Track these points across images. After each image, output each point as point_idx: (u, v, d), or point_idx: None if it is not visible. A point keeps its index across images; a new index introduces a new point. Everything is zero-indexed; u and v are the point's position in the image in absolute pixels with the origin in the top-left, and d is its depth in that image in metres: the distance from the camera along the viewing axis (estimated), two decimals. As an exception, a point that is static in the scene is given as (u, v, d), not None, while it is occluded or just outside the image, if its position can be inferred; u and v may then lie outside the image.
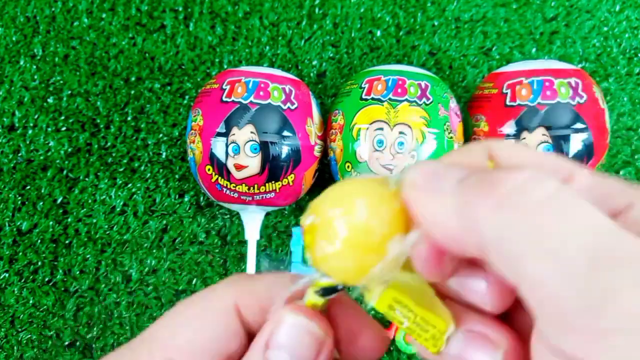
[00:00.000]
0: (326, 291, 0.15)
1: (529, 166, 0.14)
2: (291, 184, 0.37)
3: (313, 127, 0.38)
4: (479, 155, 0.15)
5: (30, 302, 0.42)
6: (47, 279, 0.43)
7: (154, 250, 0.43)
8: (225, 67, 0.46)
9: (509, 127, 0.36)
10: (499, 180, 0.13)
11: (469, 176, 0.13)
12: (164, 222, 0.43)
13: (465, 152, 0.16)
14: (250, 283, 0.16)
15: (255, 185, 0.36)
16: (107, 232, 0.43)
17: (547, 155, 0.15)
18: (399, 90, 0.36)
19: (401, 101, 0.36)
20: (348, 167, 0.37)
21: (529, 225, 0.12)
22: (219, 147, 0.36)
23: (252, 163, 0.35)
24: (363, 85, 0.37)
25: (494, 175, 0.13)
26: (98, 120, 0.45)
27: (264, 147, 0.35)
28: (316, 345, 0.15)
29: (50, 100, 0.46)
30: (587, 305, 0.11)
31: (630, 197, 0.14)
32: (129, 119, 0.45)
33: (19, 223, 0.44)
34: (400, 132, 0.35)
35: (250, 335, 0.16)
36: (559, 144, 0.35)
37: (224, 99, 0.36)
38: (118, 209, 0.44)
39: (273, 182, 0.36)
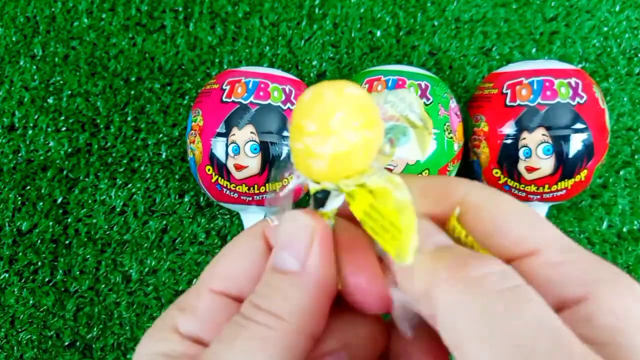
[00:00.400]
0: (317, 200, 0.16)
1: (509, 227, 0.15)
2: (291, 184, 0.37)
3: (313, 127, 0.38)
4: (454, 195, 0.16)
5: (30, 302, 0.42)
6: (47, 279, 0.43)
7: (154, 251, 0.43)
8: (225, 67, 0.46)
9: (509, 127, 0.36)
10: (469, 265, 0.14)
11: (444, 248, 0.15)
12: (164, 222, 0.43)
13: (443, 184, 0.17)
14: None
15: (255, 186, 0.36)
16: (107, 233, 0.43)
17: (522, 211, 0.16)
18: (399, 90, 0.36)
19: (401, 101, 0.36)
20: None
21: (481, 310, 0.13)
22: (219, 147, 0.36)
23: (252, 163, 0.35)
24: (363, 86, 0.37)
25: (467, 259, 0.14)
26: (98, 121, 0.45)
27: (264, 147, 0.35)
28: (306, 233, 0.16)
29: (50, 101, 0.46)
30: None
31: (588, 287, 0.14)
32: (129, 119, 0.45)
33: (18, 223, 0.44)
34: (400, 133, 0.35)
35: None
36: (559, 144, 0.35)
37: (224, 99, 0.36)
38: (118, 209, 0.44)
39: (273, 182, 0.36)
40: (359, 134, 0.15)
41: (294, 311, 0.15)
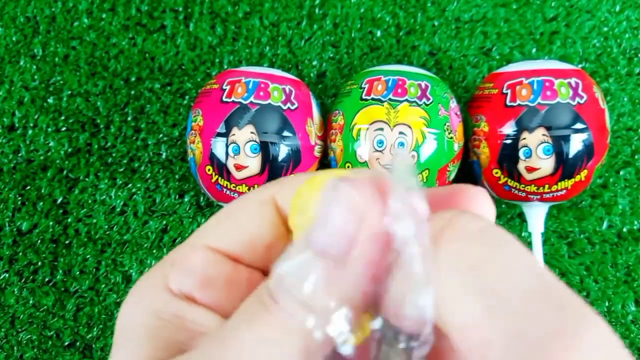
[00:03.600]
0: None
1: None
2: (291, 184, 0.37)
3: (313, 127, 0.38)
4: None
5: (30, 302, 0.42)
6: (47, 279, 0.43)
7: (154, 251, 0.43)
8: (226, 67, 0.46)
9: (509, 127, 0.36)
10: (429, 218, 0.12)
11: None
12: (164, 222, 0.43)
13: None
14: (289, 179, 0.17)
15: (255, 186, 0.36)
16: (107, 233, 0.43)
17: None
18: (399, 90, 0.36)
19: (401, 101, 0.36)
20: (348, 167, 0.37)
21: (458, 261, 0.11)
22: (219, 147, 0.36)
23: (252, 163, 0.35)
24: (363, 86, 0.37)
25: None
26: (98, 121, 0.45)
27: (264, 147, 0.35)
28: (356, 219, 0.13)
29: (50, 101, 0.46)
30: (518, 354, 0.10)
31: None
32: (129, 119, 0.45)
33: (19, 223, 0.44)
34: (401, 133, 0.35)
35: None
36: (559, 144, 0.35)
37: (224, 99, 0.36)
38: (118, 209, 0.44)
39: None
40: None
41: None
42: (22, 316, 0.42)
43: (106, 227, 0.43)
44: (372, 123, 0.36)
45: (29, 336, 0.42)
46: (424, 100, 0.36)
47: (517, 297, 0.10)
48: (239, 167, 0.35)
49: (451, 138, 0.37)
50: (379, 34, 0.46)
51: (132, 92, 0.45)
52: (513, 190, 0.37)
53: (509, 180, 0.37)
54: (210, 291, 0.16)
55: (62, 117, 0.45)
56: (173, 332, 0.15)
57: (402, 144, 0.35)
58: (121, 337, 0.16)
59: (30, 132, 0.45)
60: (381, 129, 0.35)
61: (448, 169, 0.37)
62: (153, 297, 0.15)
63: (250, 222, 0.16)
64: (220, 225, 0.17)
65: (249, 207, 0.17)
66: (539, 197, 0.37)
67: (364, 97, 0.37)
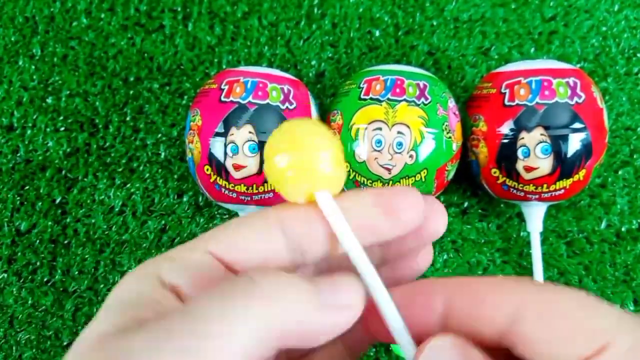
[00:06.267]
0: None
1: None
2: (290, 184, 0.37)
3: (311, 127, 0.38)
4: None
5: (29, 302, 0.42)
6: (45, 279, 0.43)
7: (153, 251, 0.43)
8: (224, 67, 0.46)
9: (507, 127, 0.36)
10: None
11: None
12: (163, 222, 0.43)
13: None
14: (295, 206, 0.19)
15: (254, 185, 0.36)
16: (106, 233, 0.43)
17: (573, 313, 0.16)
18: (398, 90, 0.36)
19: (399, 101, 0.36)
20: (346, 167, 0.37)
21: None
22: (217, 147, 0.36)
23: (251, 163, 0.35)
24: (361, 85, 0.37)
25: None
26: (97, 121, 0.45)
27: (262, 147, 0.35)
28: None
29: (49, 101, 0.46)
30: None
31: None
32: (127, 119, 0.45)
33: (17, 223, 0.44)
34: (399, 132, 0.35)
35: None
36: (557, 144, 0.35)
37: (223, 99, 0.36)
38: (117, 209, 0.44)
39: (271, 182, 0.36)
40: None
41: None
42: (20, 316, 0.42)
43: (105, 227, 0.43)
44: (370, 123, 0.36)
45: (28, 336, 0.42)
46: (423, 100, 0.36)
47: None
48: (237, 167, 0.35)
49: (449, 137, 0.37)
50: (377, 33, 0.46)
51: (131, 92, 0.45)
52: (511, 189, 0.37)
53: (508, 179, 0.37)
54: (197, 291, 0.17)
55: (61, 117, 0.45)
56: (150, 315, 0.16)
57: (400, 144, 0.35)
58: (105, 306, 0.17)
59: (28, 132, 0.45)
60: (380, 129, 0.35)
61: (446, 168, 0.37)
62: (142, 282, 0.17)
63: (256, 241, 0.18)
64: (226, 234, 0.18)
65: (256, 227, 0.18)
66: (537, 196, 0.37)
67: (362, 96, 0.37)
